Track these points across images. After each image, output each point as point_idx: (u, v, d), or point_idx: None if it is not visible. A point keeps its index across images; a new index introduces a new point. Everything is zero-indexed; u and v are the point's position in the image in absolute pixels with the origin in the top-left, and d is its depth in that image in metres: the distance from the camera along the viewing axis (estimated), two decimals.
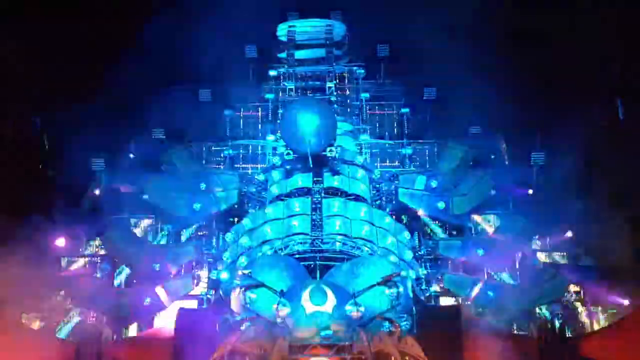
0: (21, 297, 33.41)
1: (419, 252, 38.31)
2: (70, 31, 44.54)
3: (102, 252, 38.85)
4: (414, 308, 31.17)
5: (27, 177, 40.29)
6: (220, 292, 33.85)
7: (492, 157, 42.44)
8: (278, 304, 28.66)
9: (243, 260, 33.82)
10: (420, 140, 43.80)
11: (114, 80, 42.32)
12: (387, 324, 29.53)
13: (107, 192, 40.15)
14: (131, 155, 42.43)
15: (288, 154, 35.87)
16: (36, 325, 35.78)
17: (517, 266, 37.87)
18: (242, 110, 45.42)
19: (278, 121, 41.31)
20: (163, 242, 39.88)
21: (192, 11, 44.05)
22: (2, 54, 41.48)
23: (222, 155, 43.50)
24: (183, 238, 40.53)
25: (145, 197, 38.92)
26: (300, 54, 45.74)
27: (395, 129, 45.04)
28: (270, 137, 42.54)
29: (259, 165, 42.46)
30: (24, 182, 39.74)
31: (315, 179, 35.73)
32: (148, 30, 43.47)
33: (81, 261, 39.19)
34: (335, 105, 42.66)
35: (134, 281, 38.00)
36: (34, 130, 43.97)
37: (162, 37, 43.23)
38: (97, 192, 40.62)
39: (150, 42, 42.71)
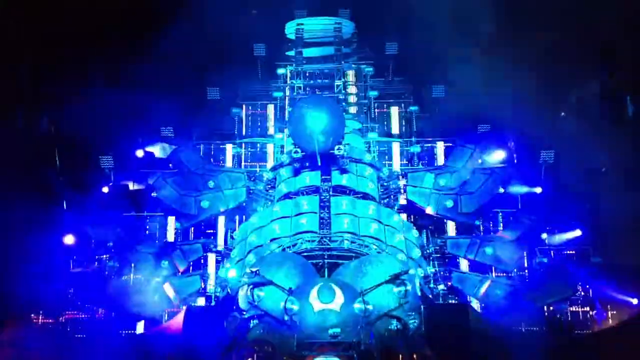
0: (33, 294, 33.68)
1: (427, 250, 38.28)
2: (81, 29, 44.61)
3: (111, 249, 38.92)
4: (422, 306, 31.10)
5: (36, 174, 40.33)
6: (228, 290, 33.92)
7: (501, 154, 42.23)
8: (286, 302, 28.73)
9: (251, 258, 33.88)
10: (429, 138, 43.71)
11: (124, 78, 42.45)
12: (394, 321, 29.54)
13: (115, 190, 40.31)
14: (140, 153, 42.46)
15: (296, 152, 35.85)
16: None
17: (526, 264, 37.80)
18: (250, 108, 45.47)
19: (286, 119, 41.30)
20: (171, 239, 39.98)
21: (198, 9, 44.03)
22: (15, 47, 41.61)
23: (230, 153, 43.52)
24: (191, 236, 40.72)
25: (154, 194, 39.13)
26: (308, 52, 45.67)
27: (404, 127, 44.95)
28: (279, 135, 42.57)
29: (267, 163, 42.47)
30: (32, 178, 39.81)
31: (323, 177, 35.70)
32: (157, 28, 43.54)
33: (90, 259, 39.30)
34: (344, 103, 42.63)
35: (142, 279, 38.04)
36: (43, 125, 44.10)
37: (169, 36, 43.25)
38: (105, 189, 40.74)
39: (159, 40, 42.76)
